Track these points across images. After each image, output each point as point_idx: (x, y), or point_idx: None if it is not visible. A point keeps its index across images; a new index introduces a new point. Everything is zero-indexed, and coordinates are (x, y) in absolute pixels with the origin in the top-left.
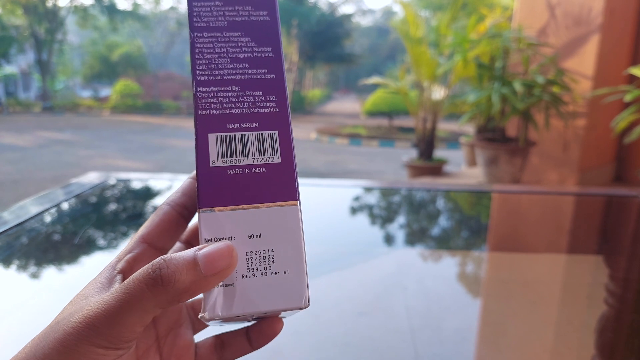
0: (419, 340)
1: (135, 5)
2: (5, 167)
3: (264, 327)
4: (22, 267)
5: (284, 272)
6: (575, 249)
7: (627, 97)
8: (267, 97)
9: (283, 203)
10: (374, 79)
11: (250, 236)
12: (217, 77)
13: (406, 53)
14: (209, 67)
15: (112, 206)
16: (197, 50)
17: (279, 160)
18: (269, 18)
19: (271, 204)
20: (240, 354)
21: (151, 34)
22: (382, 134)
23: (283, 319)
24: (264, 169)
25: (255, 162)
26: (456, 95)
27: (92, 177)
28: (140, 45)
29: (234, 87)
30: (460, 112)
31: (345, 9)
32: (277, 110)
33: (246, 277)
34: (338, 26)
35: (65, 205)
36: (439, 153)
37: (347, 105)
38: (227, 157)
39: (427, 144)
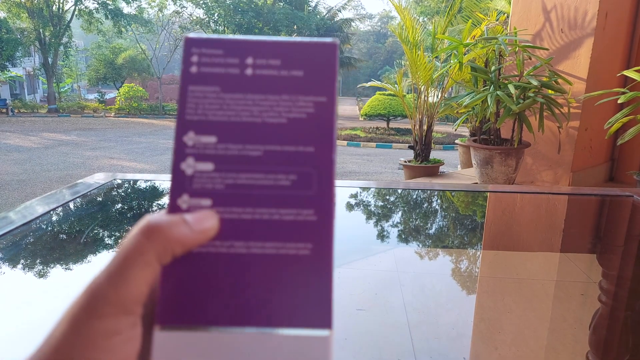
0: (417, 335)
1: (140, 9)
2: (12, 167)
3: None
4: (30, 266)
5: None
6: (569, 247)
7: (621, 99)
8: None
9: None
10: (372, 83)
11: None
12: None
13: (403, 57)
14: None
15: (118, 206)
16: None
17: None
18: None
19: None
20: None
21: (155, 38)
22: (380, 136)
23: None
24: None
25: None
26: (452, 98)
27: (98, 178)
28: (145, 49)
29: None
30: (456, 114)
31: (344, 14)
32: None
33: None
34: (337, 31)
35: (71, 205)
36: (435, 154)
37: (345, 107)
38: None
39: (423, 145)
